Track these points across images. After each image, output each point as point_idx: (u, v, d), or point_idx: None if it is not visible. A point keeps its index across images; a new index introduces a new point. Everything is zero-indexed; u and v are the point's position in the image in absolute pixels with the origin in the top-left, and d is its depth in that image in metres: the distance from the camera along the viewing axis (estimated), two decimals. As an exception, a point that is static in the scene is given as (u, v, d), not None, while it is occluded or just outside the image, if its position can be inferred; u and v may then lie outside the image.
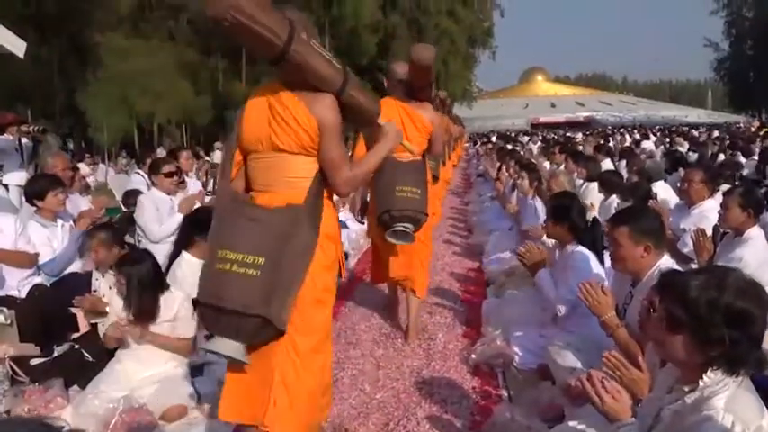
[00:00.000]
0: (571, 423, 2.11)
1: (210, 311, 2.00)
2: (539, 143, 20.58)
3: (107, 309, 3.20)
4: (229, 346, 1.98)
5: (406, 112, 3.68)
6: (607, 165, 8.02)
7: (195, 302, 2.08)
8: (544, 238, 3.90)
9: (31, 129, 7.48)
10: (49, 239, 3.95)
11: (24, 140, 7.56)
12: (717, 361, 1.48)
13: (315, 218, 2.13)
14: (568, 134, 31.96)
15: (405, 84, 3.72)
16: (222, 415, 2.21)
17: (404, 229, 3.47)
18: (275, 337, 2.04)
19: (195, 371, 3.30)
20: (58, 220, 4.06)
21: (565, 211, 3.33)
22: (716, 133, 22.42)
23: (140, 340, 3.07)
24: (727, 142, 12.89)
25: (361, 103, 2.23)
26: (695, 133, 24.16)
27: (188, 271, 3.46)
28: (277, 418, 2.05)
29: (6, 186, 7.20)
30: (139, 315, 3.04)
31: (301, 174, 2.15)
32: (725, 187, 4.63)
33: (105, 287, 3.27)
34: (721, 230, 3.71)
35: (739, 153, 10.20)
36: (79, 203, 4.98)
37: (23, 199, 4.67)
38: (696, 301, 1.48)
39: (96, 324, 3.35)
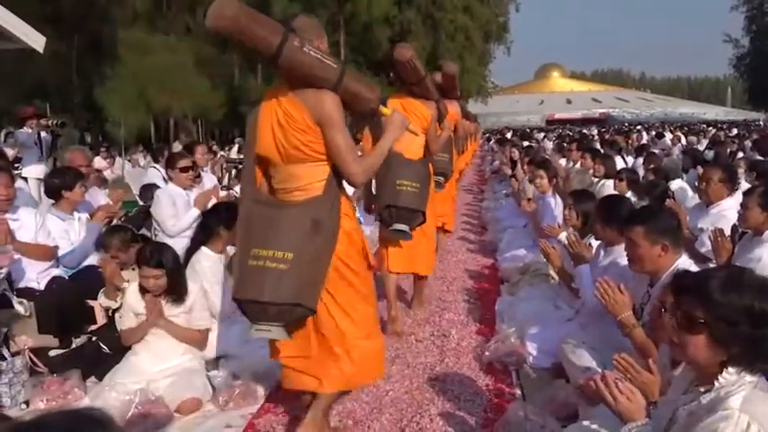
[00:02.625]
0: (585, 422, 2.11)
1: (250, 305, 2.25)
2: (554, 140, 20.43)
3: (119, 299, 3.25)
4: (273, 331, 2.27)
5: (403, 108, 3.66)
6: (621, 163, 7.95)
7: (235, 300, 2.32)
8: (561, 236, 3.87)
9: (50, 122, 7.57)
10: (67, 232, 4.00)
11: (43, 134, 7.66)
12: (737, 359, 1.48)
13: (335, 204, 2.33)
14: (584, 131, 31.70)
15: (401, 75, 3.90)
16: (286, 385, 2.56)
17: (401, 229, 3.72)
18: (310, 315, 2.32)
19: (210, 364, 3.33)
20: (75, 213, 4.11)
21: (614, 212, 3.22)
22: (734, 131, 22.14)
23: (157, 323, 3.12)
24: (749, 142, 12.74)
25: (360, 91, 2.34)
26: (712, 131, 23.83)
27: (206, 265, 3.50)
28: (331, 381, 2.40)
29: (25, 179, 7.31)
30: (177, 294, 3.16)
31: (318, 178, 2.33)
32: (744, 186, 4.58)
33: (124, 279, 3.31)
34: (740, 230, 3.66)
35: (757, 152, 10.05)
36: (97, 197, 5.03)
37: (42, 192, 4.73)
38: (718, 302, 1.48)
39: (114, 317, 3.39)
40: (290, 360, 2.47)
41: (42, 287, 3.67)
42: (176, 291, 3.17)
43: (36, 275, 3.73)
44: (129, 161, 15.27)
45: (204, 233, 3.60)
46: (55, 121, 7.57)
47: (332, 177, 2.32)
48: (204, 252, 3.54)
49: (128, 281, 3.32)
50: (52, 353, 3.39)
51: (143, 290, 3.14)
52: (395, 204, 3.74)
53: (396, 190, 3.71)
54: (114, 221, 4.57)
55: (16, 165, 8.01)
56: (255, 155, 2.36)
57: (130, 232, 3.94)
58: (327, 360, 2.40)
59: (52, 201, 4.11)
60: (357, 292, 2.44)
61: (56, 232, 3.92)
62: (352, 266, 2.41)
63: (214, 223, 3.56)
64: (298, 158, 2.30)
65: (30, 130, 7.72)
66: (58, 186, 4.04)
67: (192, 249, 3.60)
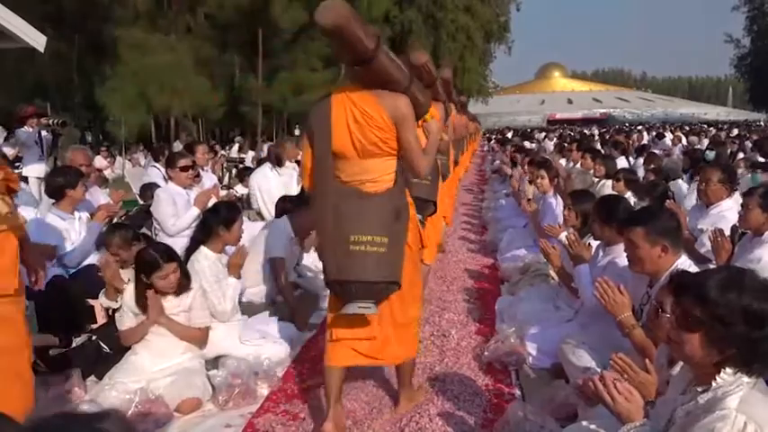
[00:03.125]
0: (584, 423, 2.11)
1: (354, 284, 2.48)
2: (555, 140, 20.43)
3: (119, 300, 3.25)
4: (372, 308, 2.52)
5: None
6: (621, 163, 7.95)
7: (330, 282, 2.56)
8: (561, 236, 3.88)
9: (50, 121, 7.57)
10: (68, 231, 4.00)
11: (44, 133, 7.67)
12: (733, 360, 1.48)
13: (403, 193, 2.63)
14: (584, 131, 31.69)
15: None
16: (336, 362, 2.71)
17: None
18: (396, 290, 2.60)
19: (210, 364, 3.34)
20: (75, 212, 4.12)
21: (612, 211, 3.22)
22: (735, 131, 22.12)
23: (158, 321, 3.13)
24: (749, 143, 12.73)
25: (417, 97, 2.60)
26: (712, 131, 23.82)
27: (205, 264, 3.51)
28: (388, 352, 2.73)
29: (25, 178, 7.32)
30: (182, 286, 3.20)
31: (387, 171, 2.56)
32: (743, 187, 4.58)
33: (124, 279, 3.31)
34: (740, 230, 3.66)
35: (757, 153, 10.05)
36: (97, 196, 5.04)
37: (43, 191, 4.73)
38: (715, 301, 1.48)
39: (114, 316, 3.40)
40: (355, 342, 2.69)
41: (42, 286, 3.67)
42: (184, 281, 3.23)
43: (36, 274, 3.73)
44: (130, 160, 15.29)
45: (203, 233, 3.60)
46: (56, 120, 7.58)
47: (399, 171, 2.58)
48: (203, 251, 3.55)
49: (128, 280, 3.32)
50: (52, 352, 3.39)
51: (141, 290, 3.14)
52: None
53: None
54: (115, 220, 4.58)
55: (17, 164, 8.03)
56: (321, 150, 2.53)
57: (131, 231, 3.94)
58: (386, 340, 2.72)
59: (53, 200, 4.11)
60: (414, 273, 2.75)
61: (56, 231, 3.92)
62: (414, 250, 2.71)
63: (213, 223, 3.57)
64: (373, 153, 2.51)
65: (30, 130, 7.73)
66: (60, 185, 4.04)
67: (191, 249, 3.61)
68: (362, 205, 2.47)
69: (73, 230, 4.04)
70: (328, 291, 2.78)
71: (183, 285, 3.22)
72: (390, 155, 2.54)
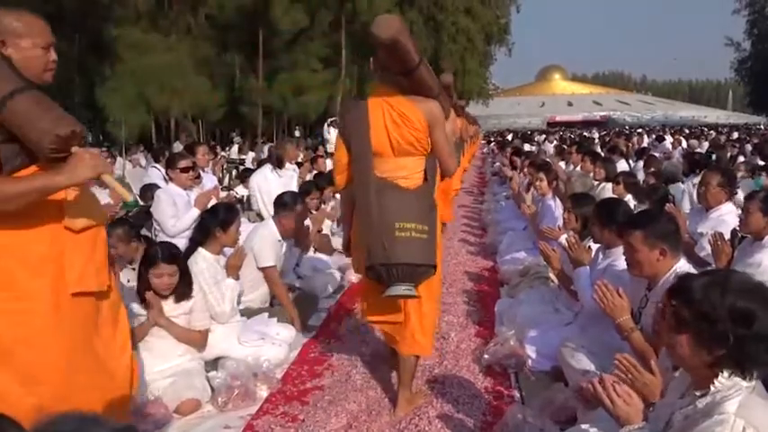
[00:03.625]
0: (583, 426, 2.11)
1: (392, 268, 2.63)
2: (555, 142, 20.44)
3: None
4: (413, 290, 2.68)
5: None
6: (621, 166, 7.95)
7: (374, 266, 2.67)
8: (561, 239, 3.88)
9: None
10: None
11: None
12: (724, 361, 1.48)
13: (433, 190, 2.83)
14: (585, 133, 31.71)
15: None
16: (369, 317, 3.00)
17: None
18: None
19: (209, 365, 3.34)
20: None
21: (612, 214, 3.21)
22: (735, 135, 22.13)
23: (158, 322, 3.13)
24: (749, 146, 12.75)
25: (444, 106, 2.92)
26: (712, 134, 23.84)
27: (203, 266, 3.51)
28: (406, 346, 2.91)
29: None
30: (184, 292, 3.19)
31: (417, 169, 2.79)
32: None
33: (123, 280, 3.31)
34: (740, 234, 3.66)
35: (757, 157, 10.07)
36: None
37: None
38: (700, 300, 1.50)
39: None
40: (386, 325, 2.99)
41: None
42: (185, 289, 3.21)
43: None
44: (130, 161, 15.28)
45: (201, 234, 3.61)
46: None
47: (428, 169, 2.82)
48: (201, 253, 3.56)
49: (128, 281, 3.32)
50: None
51: (142, 286, 3.14)
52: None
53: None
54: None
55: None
56: (363, 150, 2.75)
57: (131, 225, 3.93)
58: (412, 327, 2.91)
59: None
60: (438, 268, 2.93)
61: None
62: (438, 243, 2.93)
63: (210, 224, 3.58)
64: (408, 152, 2.76)
65: None
66: None
67: (189, 250, 3.62)
68: (403, 197, 2.68)
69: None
70: (361, 276, 3.15)
71: (181, 293, 3.19)
72: (422, 154, 2.79)
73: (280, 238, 4.29)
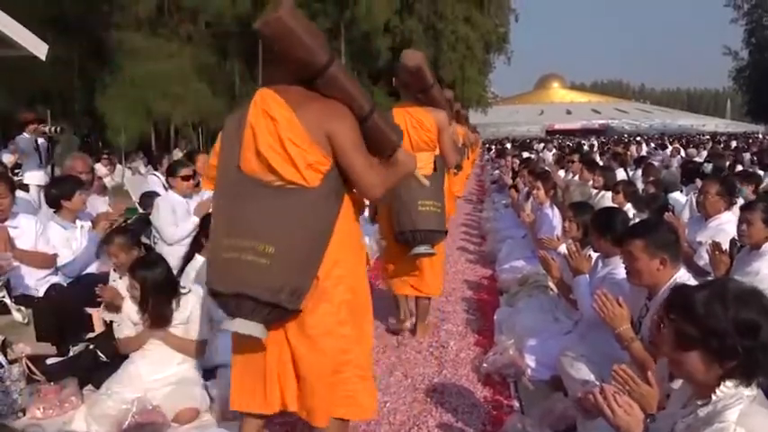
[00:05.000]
0: (583, 436, 2.10)
1: (417, 233, 3.82)
2: (554, 150, 20.47)
3: (122, 309, 3.24)
4: (427, 249, 3.83)
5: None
6: (620, 174, 7.96)
7: (403, 233, 3.86)
8: (561, 247, 3.88)
9: (47, 128, 7.57)
10: (69, 240, 3.99)
11: (41, 140, 7.66)
12: (734, 372, 1.49)
13: (441, 177, 3.97)
14: (582, 141, 31.74)
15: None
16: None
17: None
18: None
19: (208, 373, 3.32)
20: (77, 221, 4.11)
21: (610, 224, 3.21)
22: (734, 143, 22.16)
23: (153, 334, 3.11)
24: (747, 155, 12.75)
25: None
26: (709, 144, 23.86)
27: (202, 273, 3.51)
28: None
29: (26, 186, 7.30)
30: (154, 319, 3.08)
31: (429, 162, 3.82)
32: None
33: (123, 288, 3.30)
34: (738, 243, 3.66)
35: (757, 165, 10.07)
36: (96, 204, 5.03)
37: (43, 199, 4.73)
38: (703, 316, 1.49)
39: (111, 325, 3.39)
40: (408, 277, 4.08)
41: (41, 294, 3.66)
42: (159, 317, 3.07)
43: (35, 283, 3.73)
44: (130, 168, 15.29)
45: (196, 241, 3.65)
46: (52, 128, 7.57)
47: (436, 161, 3.83)
48: (199, 260, 3.57)
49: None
50: (49, 361, 3.38)
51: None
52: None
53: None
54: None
55: (16, 171, 8.03)
56: None
57: (131, 233, 3.92)
58: (426, 276, 4.07)
59: (53, 209, 4.11)
60: None
61: (57, 240, 3.91)
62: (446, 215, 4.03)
63: (200, 233, 3.63)
64: (422, 148, 3.70)
65: (28, 136, 7.73)
66: (57, 196, 4.03)
67: (188, 257, 3.63)
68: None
69: (74, 239, 4.03)
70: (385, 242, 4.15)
71: (156, 318, 3.08)
72: (432, 150, 3.80)
73: None
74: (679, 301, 1.59)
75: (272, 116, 2.04)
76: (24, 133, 7.74)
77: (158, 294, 3.06)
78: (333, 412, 2.18)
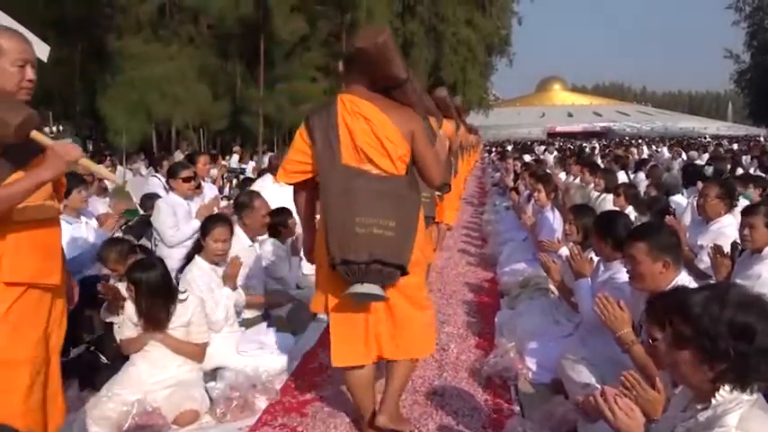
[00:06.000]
0: (584, 439, 2.10)
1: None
2: (555, 153, 20.47)
3: (121, 314, 3.24)
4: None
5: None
6: (621, 177, 7.96)
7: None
8: (561, 251, 3.88)
9: (48, 129, 7.60)
10: (74, 237, 4.00)
11: None
12: (726, 376, 1.48)
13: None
14: (584, 144, 31.74)
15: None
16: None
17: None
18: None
19: (208, 375, 3.32)
20: (82, 217, 4.13)
21: (612, 227, 3.20)
22: (735, 146, 22.15)
23: (154, 336, 3.12)
24: (748, 157, 12.74)
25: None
26: (711, 146, 23.86)
27: (197, 274, 3.54)
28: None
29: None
30: (149, 322, 3.09)
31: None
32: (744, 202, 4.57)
33: (124, 289, 3.30)
34: (739, 247, 3.64)
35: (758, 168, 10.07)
36: (96, 206, 5.03)
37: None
38: (699, 315, 1.49)
39: (112, 326, 3.39)
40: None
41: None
42: (154, 320, 3.09)
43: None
44: (131, 170, 15.29)
45: (195, 244, 3.66)
46: (53, 128, 7.60)
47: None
48: (197, 262, 3.57)
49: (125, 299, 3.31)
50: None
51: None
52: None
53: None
54: (115, 229, 4.57)
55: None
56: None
57: (128, 244, 3.93)
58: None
59: None
60: None
61: (62, 236, 3.91)
62: None
63: (200, 236, 3.65)
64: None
65: None
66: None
67: (188, 258, 3.64)
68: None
69: (80, 235, 4.04)
70: None
71: (152, 319, 3.11)
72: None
73: (250, 243, 4.24)
74: (678, 301, 1.59)
75: (367, 118, 2.52)
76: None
77: (153, 297, 3.06)
78: (411, 353, 2.74)
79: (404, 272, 2.49)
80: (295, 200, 2.84)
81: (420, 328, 2.72)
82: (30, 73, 2.05)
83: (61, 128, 7.53)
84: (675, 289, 1.89)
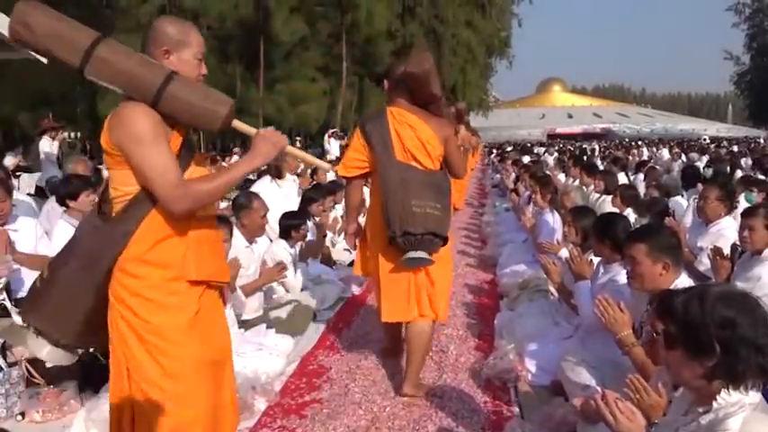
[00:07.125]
0: (584, 442, 2.09)
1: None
2: (555, 154, 20.47)
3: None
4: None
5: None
6: (621, 178, 7.96)
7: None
8: (561, 252, 3.87)
9: (65, 135, 7.62)
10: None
11: (55, 146, 7.67)
12: (717, 372, 1.47)
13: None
14: (585, 145, 31.75)
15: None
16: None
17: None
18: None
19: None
20: (86, 219, 4.13)
21: (611, 229, 3.19)
22: (735, 148, 22.16)
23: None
24: (748, 159, 12.74)
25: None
26: (711, 146, 23.87)
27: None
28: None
29: (41, 189, 7.28)
30: None
31: None
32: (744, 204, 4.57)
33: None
34: (739, 249, 3.64)
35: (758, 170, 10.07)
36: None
37: (52, 202, 4.73)
38: (682, 311, 1.51)
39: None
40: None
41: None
42: None
43: (35, 286, 3.71)
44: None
45: None
46: (71, 134, 7.65)
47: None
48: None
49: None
50: (48, 364, 3.36)
51: None
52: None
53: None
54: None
55: (17, 174, 8.04)
56: None
57: None
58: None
59: (63, 208, 4.15)
60: None
61: (67, 238, 3.91)
62: None
63: None
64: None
65: (50, 142, 7.73)
66: (63, 196, 4.11)
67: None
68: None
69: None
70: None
71: None
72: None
73: (247, 244, 4.21)
74: (663, 303, 1.60)
75: (412, 126, 3.18)
76: (44, 139, 7.72)
77: None
78: (439, 312, 3.30)
79: (445, 242, 3.19)
80: (348, 191, 3.54)
81: (446, 293, 3.39)
82: (204, 67, 2.07)
83: (71, 134, 7.54)
84: (663, 291, 1.89)
